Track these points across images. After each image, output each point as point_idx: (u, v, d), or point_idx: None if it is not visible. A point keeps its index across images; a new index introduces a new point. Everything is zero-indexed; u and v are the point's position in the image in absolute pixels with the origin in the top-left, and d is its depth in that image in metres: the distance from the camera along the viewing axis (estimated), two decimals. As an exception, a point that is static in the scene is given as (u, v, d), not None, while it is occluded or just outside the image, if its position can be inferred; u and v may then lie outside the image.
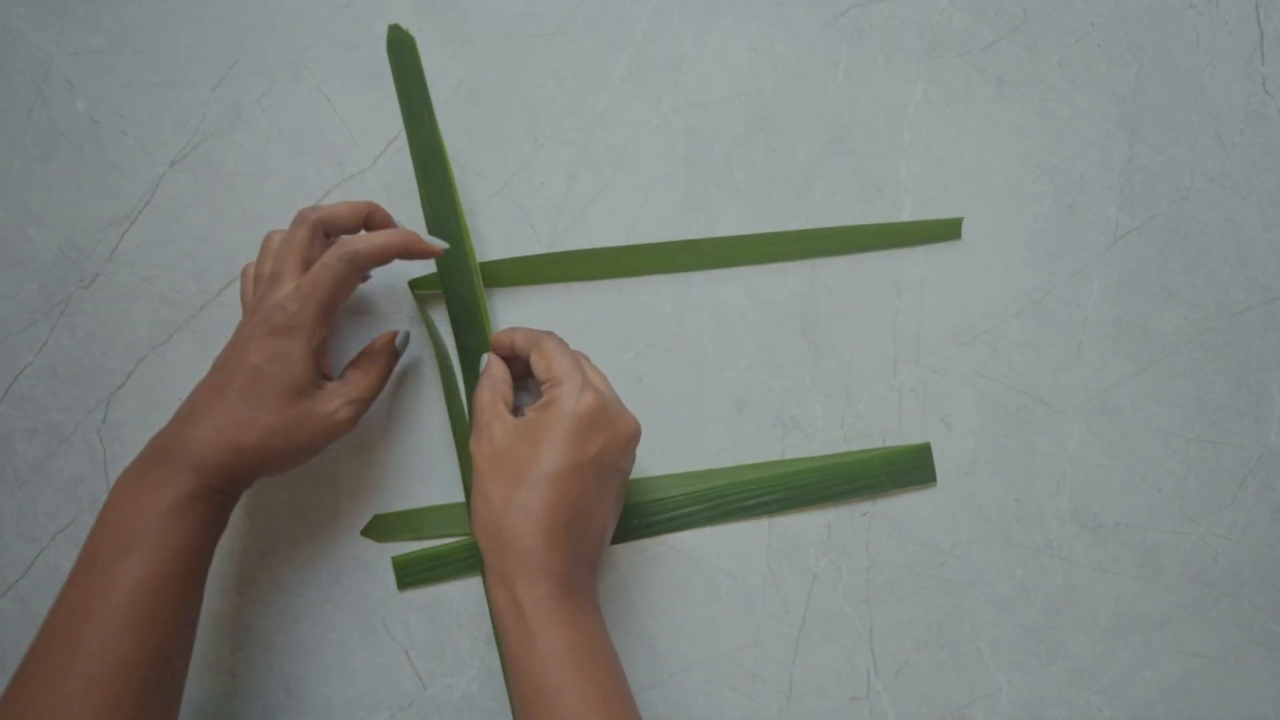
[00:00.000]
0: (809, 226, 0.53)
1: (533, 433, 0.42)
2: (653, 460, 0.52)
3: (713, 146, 0.53)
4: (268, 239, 0.47)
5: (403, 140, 0.53)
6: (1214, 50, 0.53)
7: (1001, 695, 0.52)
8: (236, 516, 0.52)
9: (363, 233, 0.48)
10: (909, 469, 0.52)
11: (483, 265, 0.52)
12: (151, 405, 0.53)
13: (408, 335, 0.50)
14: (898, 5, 0.53)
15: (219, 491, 0.43)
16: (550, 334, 0.47)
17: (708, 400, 0.52)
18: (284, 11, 0.53)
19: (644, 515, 0.52)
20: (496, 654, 0.52)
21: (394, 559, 0.51)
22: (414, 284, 0.52)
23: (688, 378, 0.52)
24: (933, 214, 0.53)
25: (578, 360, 0.45)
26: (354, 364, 0.48)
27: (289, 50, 0.53)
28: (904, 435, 0.52)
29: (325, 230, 0.46)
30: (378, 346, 0.49)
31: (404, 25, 0.50)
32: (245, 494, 0.52)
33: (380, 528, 0.52)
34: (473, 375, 0.51)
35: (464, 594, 0.52)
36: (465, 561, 0.52)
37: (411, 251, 0.47)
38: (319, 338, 0.44)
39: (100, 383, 0.53)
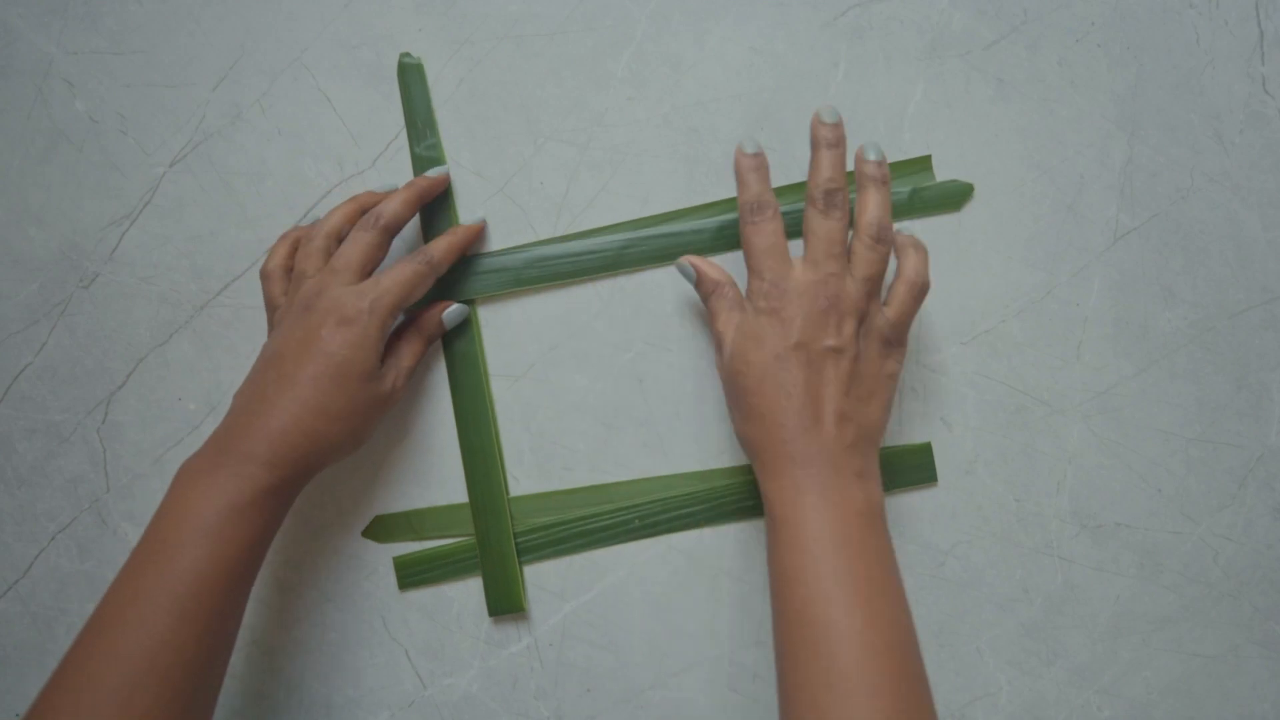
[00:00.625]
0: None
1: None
2: (653, 460, 0.52)
3: (713, 146, 0.53)
4: (305, 239, 0.48)
5: (402, 140, 0.53)
6: (1214, 50, 0.53)
7: (1001, 695, 0.52)
8: (236, 516, 0.52)
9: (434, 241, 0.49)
10: (909, 468, 0.52)
11: (478, 259, 0.52)
12: (151, 405, 0.53)
13: (463, 310, 0.51)
14: (898, 5, 0.53)
15: (290, 484, 0.43)
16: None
17: (708, 400, 0.52)
18: (284, 11, 0.53)
19: (645, 515, 0.52)
20: (496, 654, 0.52)
21: (395, 559, 0.51)
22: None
23: (688, 378, 0.52)
24: (933, 213, 0.53)
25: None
26: (402, 335, 0.49)
27: (289, 50, 0.53)
28: (904, 435, 0.52)
29: (391, 234, 0.48)
30: (429, 322, 0.50)
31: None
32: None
33: (381, 528, 0.52)
34: (468, 380, 0.51)
35: (464, 594, 0.52)
36: (466, 561, 0.52)
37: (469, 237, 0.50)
38: (388, 327, 0.46)
39: (100, 383, 0.53)
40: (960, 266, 0.52)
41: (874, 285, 0.45)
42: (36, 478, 0.53)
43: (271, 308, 0.48)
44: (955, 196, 0.52)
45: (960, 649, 0.52)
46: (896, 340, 0.46)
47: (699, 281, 0.48)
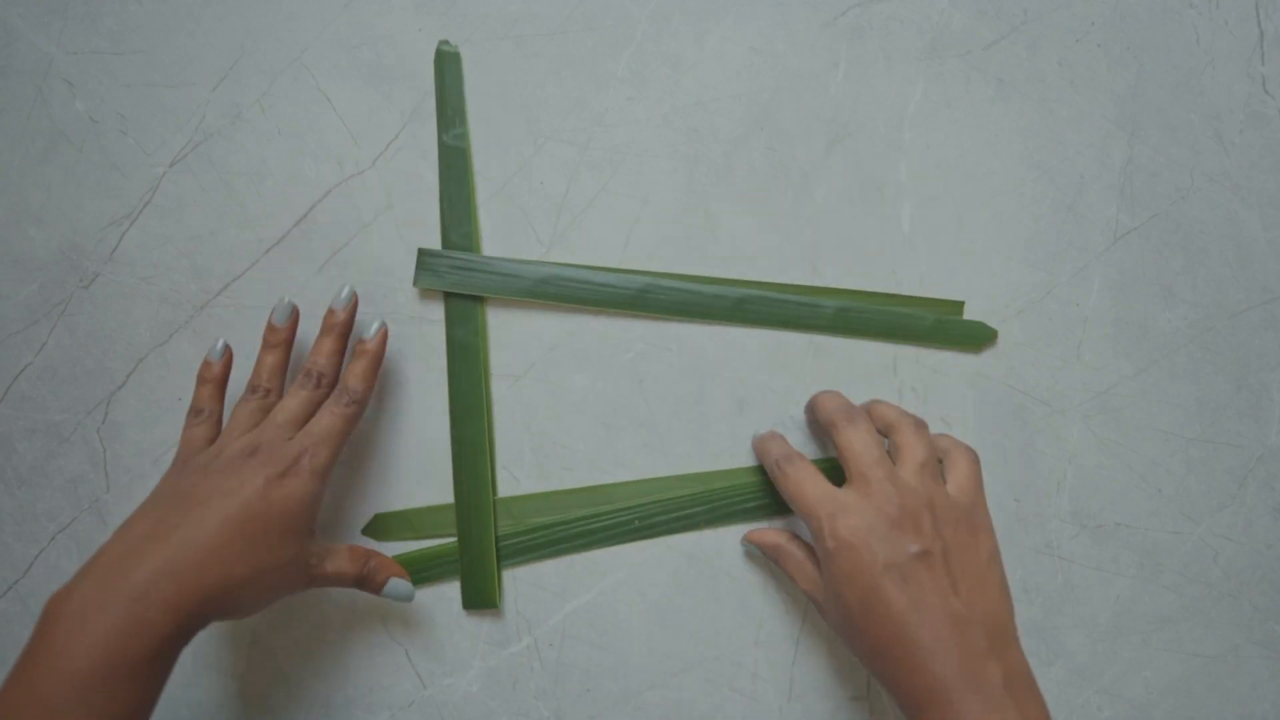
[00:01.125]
0: (810, 228, 0.53)
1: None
2: (653, 460, 0.52)
3: (713, 146, 0.53)
4: (244, 397, 0.47)
5: (402, 140, 0.53)
6: (1214, 50, 0.53)
7: (1001, 695, 0.52)
8: (236, 516, 0.52)
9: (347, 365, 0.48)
10: None
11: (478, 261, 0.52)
12: (151, 405, 0.53)
13: (410, 594, 0.47)
14: (898, 5, 0.53)
15: (186, 635, 0.39)
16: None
17: (708, 400, 0.52)
18: (284, 11, 0.53)
19: (644, 516, 0.52)
20: (496, 654, 0.52)
21: (395, 559, 0.51)
22: (422, 251, 0.52)
23: (688, 378, 0.52)
24: (933, 214, 0.53)
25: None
26: (349, 551, 0.46)
27: (289, 50, 0.53)
28: (904, 435, 0.52)
29: (330, 388, 0.47)
30: (377, 574, 0.46)
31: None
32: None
33: (381, 526, 0.52)
34: (465, 369, 0.51)
35: (449, 587, 0.52)
36: (441, 560, 0.52)
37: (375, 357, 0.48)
38: (326, 483, 0.45)
39: (100, 383, 0.53)
40: (960, 266, 0.52)
41: (931, 470, 0.44)
42: (36, 478, 0.53)
43: (190, 444, 0.46)
44: (976, 338, 0.52)
45: (960, 649, 0.52)
46: (976, 512, 0.44)
47: (767, 553, 0.49)
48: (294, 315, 0.49)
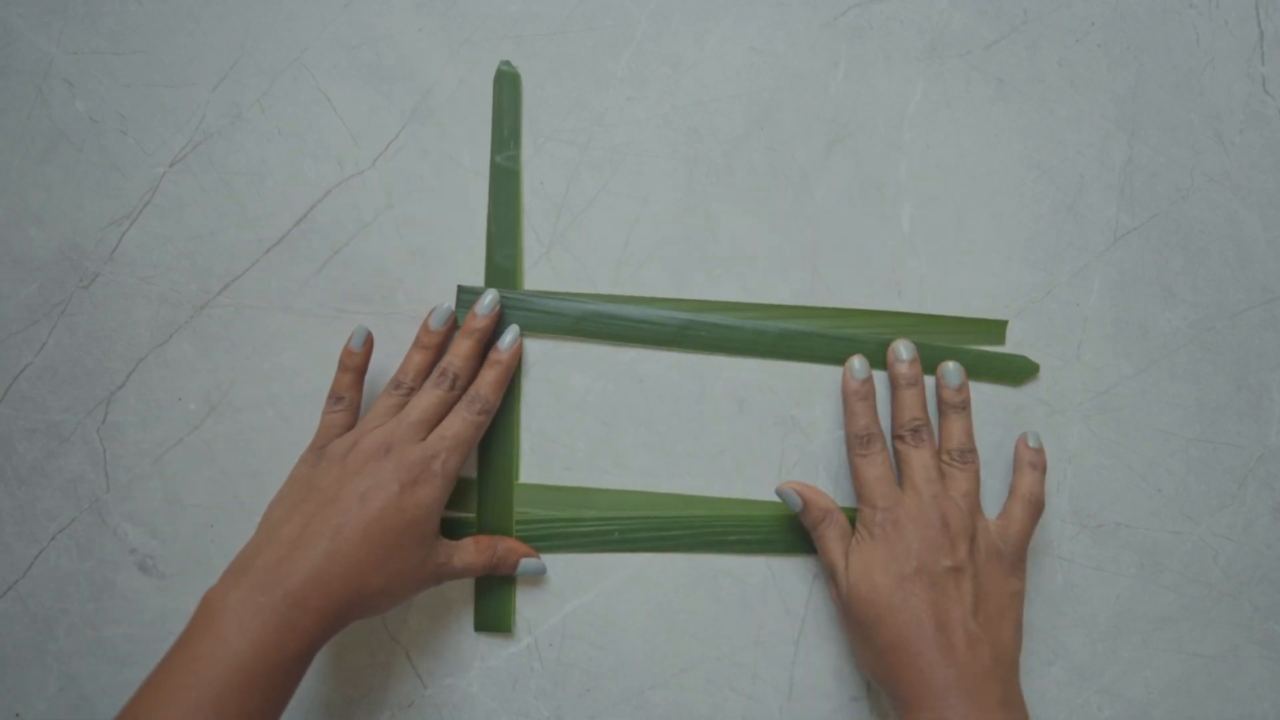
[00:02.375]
0: (810, 228, 0.53)
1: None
2: (654, 460, 0.52)
3: (713, 146, 0.53)
4: (386, 392, 0.49)
5: (402, 140, 0.53)
6: (1214, 50, 0.53)
7: (1001, 695, 0.52)
8: (236, 516, 0.52)
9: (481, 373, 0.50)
10: None
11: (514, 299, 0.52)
12: (151, 405, 0.53)
13: (542, 568, 0.50)
14: (898, 5, 0.53)
15: (329, 637, 0.42)
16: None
17: (708, 400, 0.52)
18: (284, 11, 0.53)
19: (625, 529, 0.52)
20: (496, 654, 0.52)
21: None
22: (462, 290, 0.52)
23: (688, 378, 0.52)
24: (933, 214, 0.53)
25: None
26: (477, 541, 0.49)
27: (289, 50, 0.53)
28: (904, 435, 0.52)
29: (462, 391, 0.49)
30: (509, 556, 0.49)
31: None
32: (245, 492, 0.52)
33: None
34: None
35: (464, 594, 0.52)
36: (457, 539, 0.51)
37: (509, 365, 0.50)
38: (453, 487, 0.46)
39: (100, 383, 0.53)
40: (960, 266, 0.52)
41: (973, 500, 0.47)
42: (36, 478, 0.53)
43: (328, 429, 0.48)
44: (1018, 372, 0.52)
45: (960, 649, 0.52)
46: (1014, 557, 0.47)
47: (805, 510, 0.49)
48: (450, 319, 0.50)
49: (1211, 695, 0.52)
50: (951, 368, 0.50)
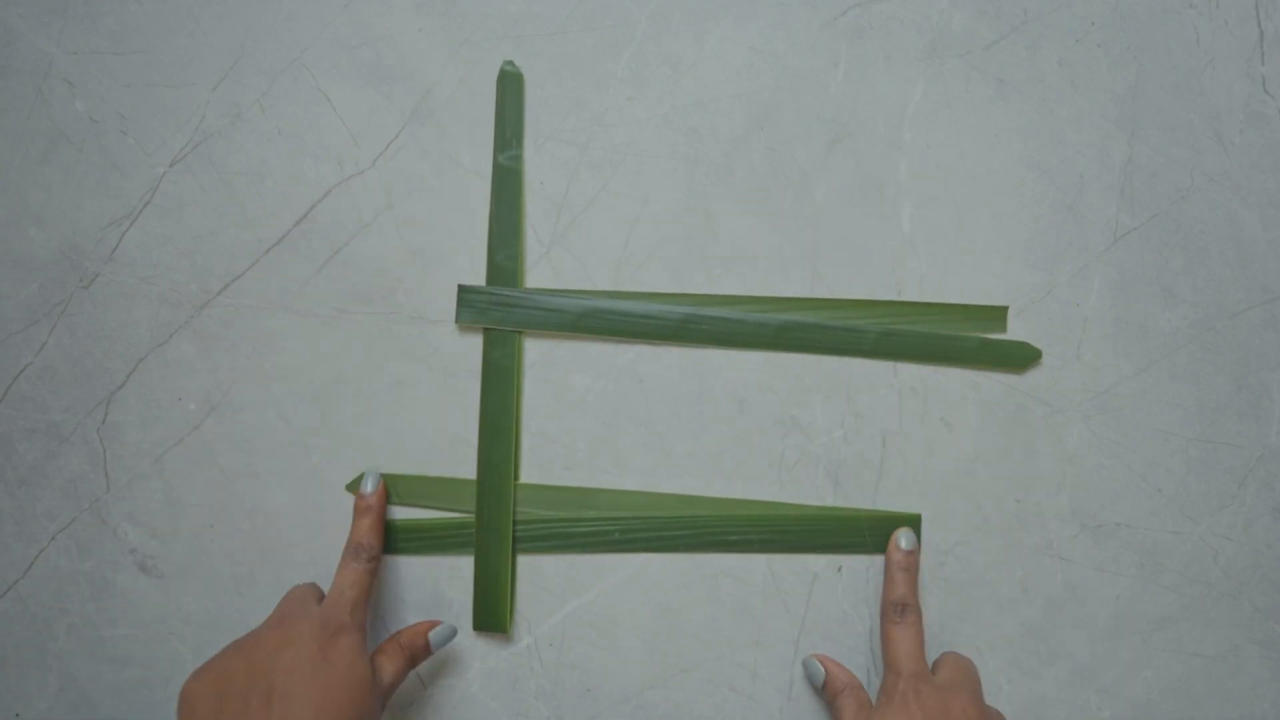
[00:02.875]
0: (810, 228, 0.53)
1: None
2: (654, 460, 0.52)
3: (713, 146, 0.53)
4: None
5: (402, 140, 0.53)
6: (1214, 50, 0.53)
7: (1001, 695, 0.52)
8: (236, 516, 0.52)
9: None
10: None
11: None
12: (151, 405, 0.53)
13: (449, 631, 0.50)
14: (898, 5, 0.53)
15: None
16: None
17: (708, 400, 0.52)
18: (284, 11, 0.53)
19: (626, 529, 0.52)
20: (496, 654, 0.52)
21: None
22: (463, 289, 0.52)
23: (688, 378, 0.52)
24: (933, 214, 0.53)
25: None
26: (382, 650, 0.48)
27: (289, 50, 0.53)
28: (904, 435, 0.52)
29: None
30: (413, 641, 0.49)
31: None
32: (245, 492, 0.52)
33: (393, 489, 0.52)
34: (498, 393, 0.51)
35: (463, 594, 0.52)
36: (456, 538, 0.51)
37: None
38: (366, 639, 0.46)
39: (100, 383, 0.53)
40: (960, 266, 0.52)
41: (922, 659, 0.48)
42: (36, 478, 0.53)
43: (351, 585, 0.48)
44: (1020, 358, 0.52)
45: (960, 649, 0.52)
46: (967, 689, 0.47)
47: (828, 682, 0.49)
48: (379, 483, 0.51)
49: (1211, 695, 0.52)
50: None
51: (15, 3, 0.53)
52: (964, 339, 0.51)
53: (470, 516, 0.52)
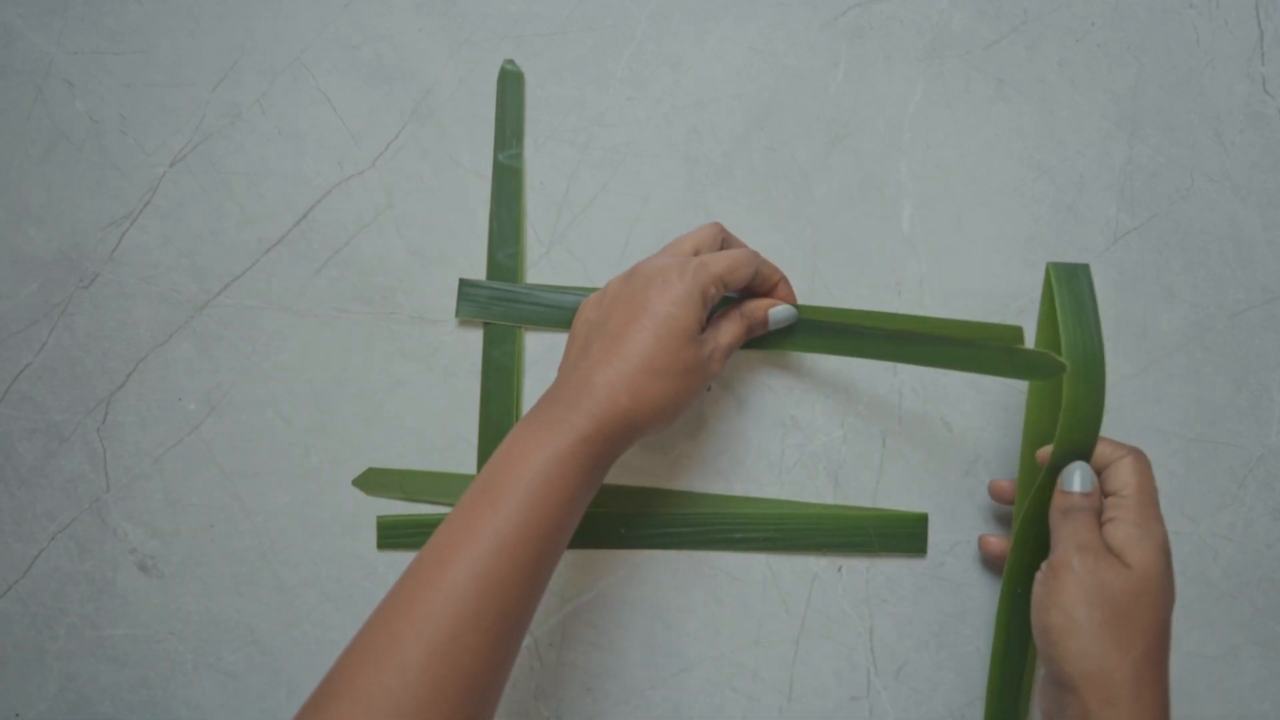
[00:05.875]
0: (810, 228, 0.53)
1: (1145, 576, 0.42)
2: (652, 460, 0.52)
3: (713, 146, 0.53)
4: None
5: (402, 140, 0.53)
6: (1214, 50, 0.53)
7: (1001, 695, 0.52)
8: (236, 516, 0.52)
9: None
10: (902, 537, 0.52)
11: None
12: (151, 405, 0.53)
13: (790, 315, 0.49)
14: (898, 5, 0.53)
15: (609, 439, 0.42)
16: (1141, 452, 0.45)
17: (708, 400, 0.52)
18: (284, 11, 0.53)
19: (631, 526, 0.52)
20: (496, 654, 0.52)
21: (379, 519, 0.52)
22: (464, 283, 0.52)
23: (688, 378, 0.52)
24: (933, 214, 0.53)
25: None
26: (725, 314, 0.48)
27: (289, 50, 0.53)
28: (904, 435, 0.52)
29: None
30: (754, 309, 0.49)
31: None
32: (245, 492, 0.52)
33: (372, 480, 0.52)
34: (498, 391, 0.51)
35: (464, 594, 0.52)
36: None
37: (781, 296, 0.49)
38: (710, 297, 0.45)
39: (100, 383, 0.53)
40: (960, 266, 0.52)
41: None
42: (36, 478, 0.53)
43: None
44: (1046, 370, 0.46)
45: (960, 649, 0.52)
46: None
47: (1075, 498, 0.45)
48: None
49: (1211, 695, 0.52)
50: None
51: (15, 3, 0.53)
52: (985, 346, 0.47)
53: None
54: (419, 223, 0.53)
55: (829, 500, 0.52)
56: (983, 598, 0.52)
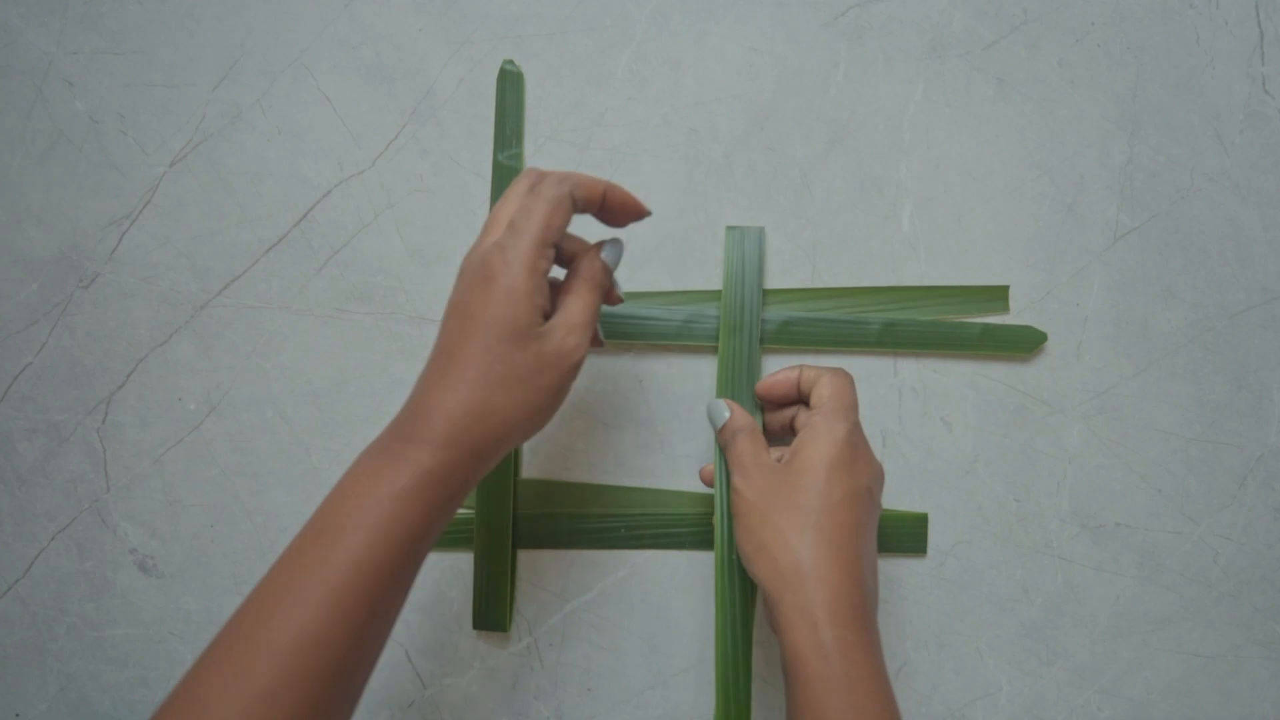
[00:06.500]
0: (810, 228, 0.53)
1: (809, 463, 0.42)
2: (653, 460, 0.52)
3: (713, 146, 0.53)
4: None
5: (402, 140, 0.53)
6: (1214, 50, 0.53)
7: (1001, 695, 0.52)
8: (236, 516, 0.52)
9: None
10: (901, 536, 0.52)
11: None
12: (151, 405, 0.53)
13: (619, 246, 0.44)
14: (898, 5, 0.53)
15: (459, 469, 0.39)
16: (843, 370, 0.46)
17: (707, 400, 0.52)
18: (284, 11, 0.53)
19: (631, 526, 0.52)
20: (496, 654, 0.52)
21: None
22: None
23: (687, 378, 0.52)
24: (933, 215, 0.53)
25: (856, 399, 0.45)
26: (564, 289, 0.43)
27: (289, 50, 0.53)
28: (904, 435, 0.52)
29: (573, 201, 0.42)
30: (588, 266, 0.43)
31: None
32: (245, 492, 0.52)
33: None
34: None
35: (463, 594, 0.52)
36: (456, 534, 0.51)
37: (627, 207, 0.43)
38: (538, 271, 0.40)
39: (100, 383, 0.53)
40: (960, 266, 0.52)
41: None
42: (36, 478, 0.53)
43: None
44: (1026, 342, 0.51)
45: (960, 649, 0.52)
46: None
47: (727, 423, 0.46)
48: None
49: (1211, 695, 0.52)
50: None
51: (15, 3, 0.53)
52: (967, 326, 0.51)
53: (470, 513, 0.52)
54: (419, 223, 0.53)
55: (829, 500, 0.52)
56: (983, 598, 0.52)
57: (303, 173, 0.53)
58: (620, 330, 0.52)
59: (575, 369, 0.41)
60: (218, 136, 0.53)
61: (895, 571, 0.52)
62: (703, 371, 0.52)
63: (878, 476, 0.44)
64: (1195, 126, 0.53)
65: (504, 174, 0.52)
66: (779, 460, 0.44)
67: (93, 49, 0.53)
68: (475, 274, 0.40)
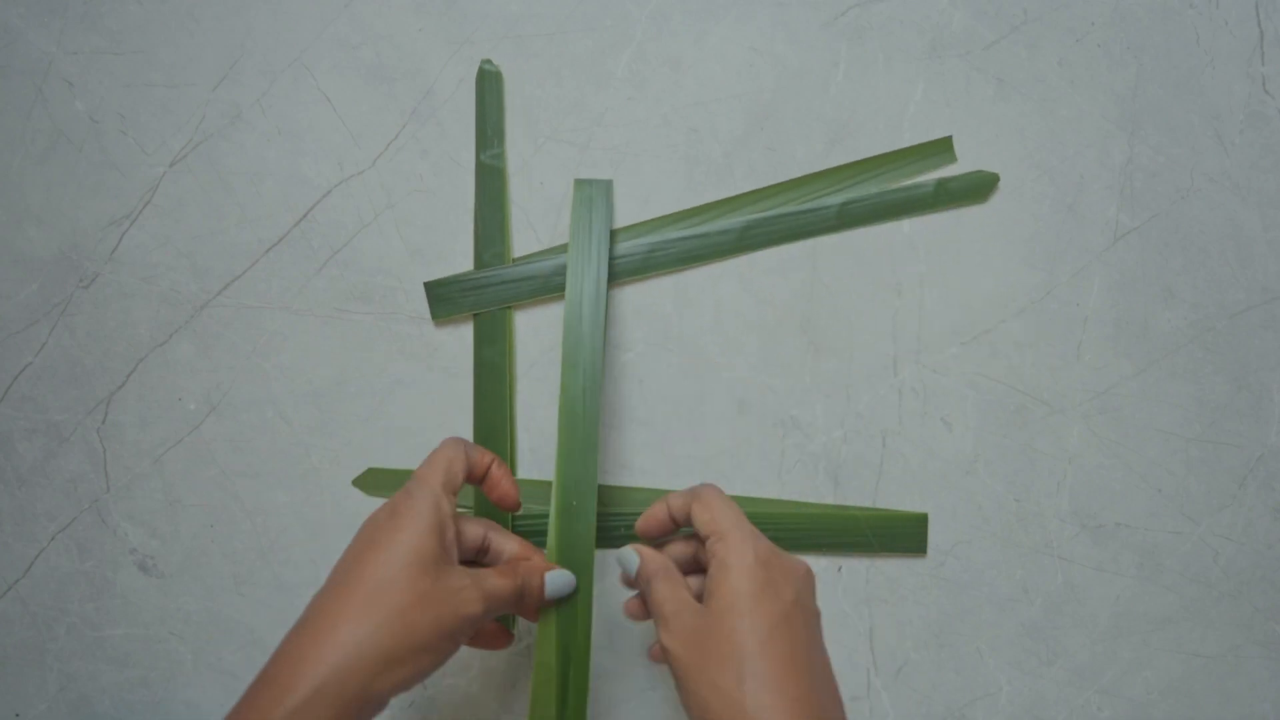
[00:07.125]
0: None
1: (727, 602, 0.39)
2: (654, 460, 0.52)
3: (713, 146, 0.53)
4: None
5: (402, 140, 0.53)
6: (1214, 50, 0.53)
7: (1001, 695, 0.52)
8: (236, 516, 0.52)
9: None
10: (901, 536, 0.52)
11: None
12: (151, 405, 0.53)
13: (571, 584, 0.45)
14: (898, 5, 0.53)
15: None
16: (707, 485, 0.44)
17: (708, 400, 0.52)
18: (284, 11, 0.53)
19: (630, 526, 0.52)
20: (495, 654, 0.52)
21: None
22: (428, 285, 0.52)
23: (688, 378, 0.52)
24: (933, 214, 0.53)
25: (736, 508, 0.42)
26: (497, 569, 0.43)
27: (289, 50, 0.53)
28: (904, 435, 0.52)
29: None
30: (529, 571, 0.43)
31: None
32: (244, 492, 0.52)
33: (372, 480, 0.52)
34: (491, 390, 0.51)
35: (464, 594, 0.52)
36: None
37: (501, 489, 0.45)
38: (443, 510, 0.40)
39: (100, 383, 0.53)
40: (960, 266, 0.52)
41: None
42: (36, 478, 0.53)
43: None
44: (981, 187, 0.52)
45: (960, 649, 0.52)
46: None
47: (640, 569, 0.44)
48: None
49: (1211, 695, 0.52)
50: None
51: (15, 3, 0.53)
52: (920, 186, 0.52)
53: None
54: (419, 223, 0.53)
55: (829, 500, 0.52)
56: (983, 598, 0.52)
57: (303, 173, 0.53)
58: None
59: (468, 624, 0.40)
60: (218, 136, 0.53)
61: (895, 571, 0.52)
62: (703, 371, 0.52)
63: (804, 579, 0.41)
64: (1195, 126, 0.53)
65: (488, 174, 0.52)
66: (699, 595, 0.41)
67: (93, 49, 0.53)
68: (380, 514, 0.40)
